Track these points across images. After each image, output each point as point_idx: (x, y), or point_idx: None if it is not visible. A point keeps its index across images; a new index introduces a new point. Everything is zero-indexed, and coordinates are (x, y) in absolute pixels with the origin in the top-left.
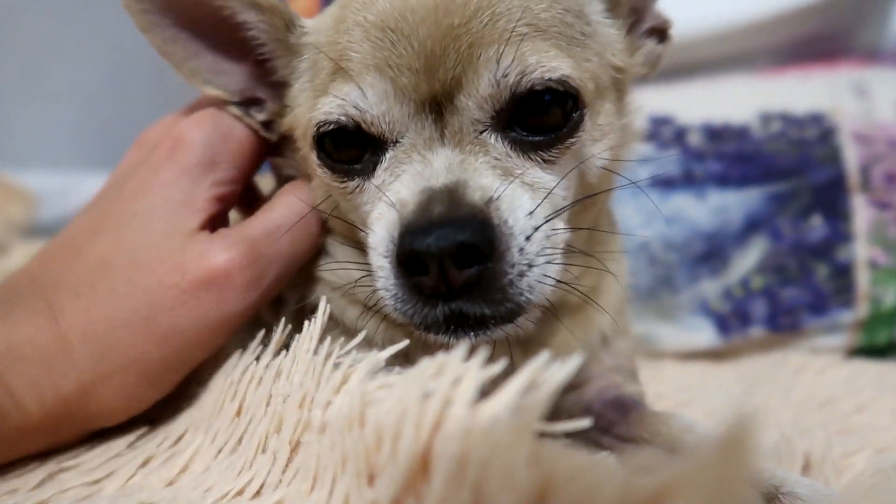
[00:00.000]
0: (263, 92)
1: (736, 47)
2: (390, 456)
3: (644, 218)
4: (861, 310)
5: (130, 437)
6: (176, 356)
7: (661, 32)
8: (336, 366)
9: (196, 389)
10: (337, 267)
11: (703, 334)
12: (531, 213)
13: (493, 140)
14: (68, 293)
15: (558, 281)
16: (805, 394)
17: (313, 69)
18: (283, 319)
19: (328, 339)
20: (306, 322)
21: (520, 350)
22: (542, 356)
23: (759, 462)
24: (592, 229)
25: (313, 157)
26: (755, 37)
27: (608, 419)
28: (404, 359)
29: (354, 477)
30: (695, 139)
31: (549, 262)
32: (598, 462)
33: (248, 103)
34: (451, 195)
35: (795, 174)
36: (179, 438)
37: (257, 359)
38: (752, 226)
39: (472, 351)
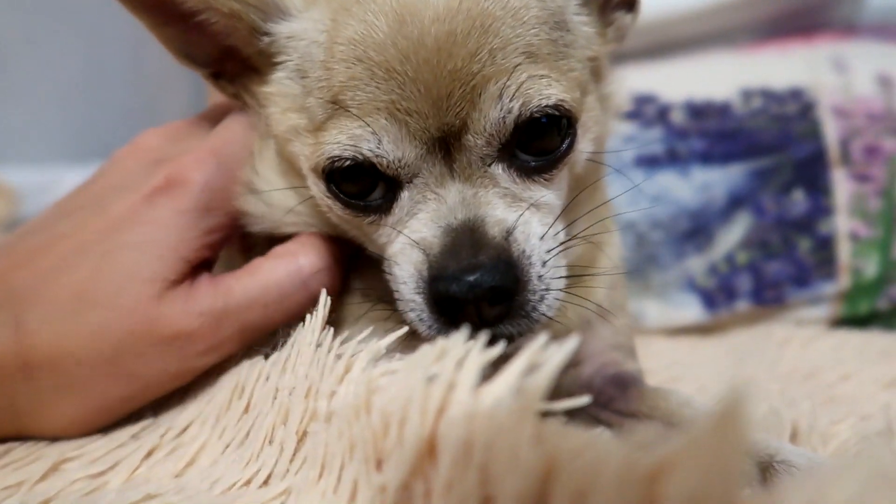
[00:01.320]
0: (234, 66)
1: (716, 24)
2: (397, 441)
3: (630, 197)
4: (843, 281)
5: (134, 428)
6: (134, 395)
7: (629, 3)
8: (338, 356)
9: (200, 383)
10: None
11: (691, 310)
12: (543, 237)
13: (500, 170)
14: (40, 316)
15: (568, 292)
16: (790, 366)
17: (302, 74)
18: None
19: (330, 329)
20: (307, 315)
21: None
22: (541, 338)
23: (753, 434)
24: (584, 214)
25: (321, 187)
26: (735, 13)
27: (608, 395)
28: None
29: (363, 463)
30: (678, 117)
31: (560, 278)
32: (600, 440)
33: (219, 74)
34: (473, 235)
35: (777, 150)
36: (184, 430)
37: (266, 357)
38: (735, 202)
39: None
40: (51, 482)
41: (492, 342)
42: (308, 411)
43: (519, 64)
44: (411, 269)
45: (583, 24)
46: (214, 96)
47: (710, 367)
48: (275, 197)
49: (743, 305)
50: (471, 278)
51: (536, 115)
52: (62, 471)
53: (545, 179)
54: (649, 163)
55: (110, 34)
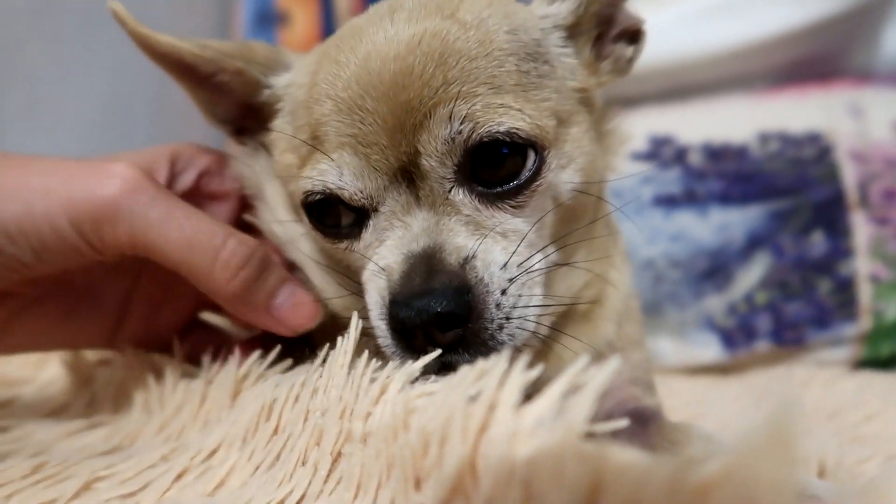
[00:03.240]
0: (253, 122)
1: (734, 69)
2: (437, 460)
3: (649, 235)
4: (864, 323)
5: (163, 450)
6: None
7: (633, 34)
8: (373, 379)
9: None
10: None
11: (710, 349)
12: (504, 265)
13: (462, 196)
14: None
15: (544, 298)
16: (813, 405)
17: (293, 116)
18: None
19: (365, 352)
20: (339, 338)
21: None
22: (582, 360)
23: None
24: (581, 240)
25: (306, 219)
26: (752, 59)
27: (628, 430)
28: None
29: (401, 482)
30: (695, 158)
31: (526, 307)
32: (647, 456)
33: (242, 131)
34: (429, 262)
35: (795, 192)
36: (213, 453)
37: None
38: (754, 242)
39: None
40: (83, 500)
41: (448, 368)
42: (343, 432)
43: (477, 93)
44: (376, 295)
45: (565, 56)
46: None
47: (730, 406)
48: (285, 227)
49: (763, 346)
50: (419, 304)
51: (486, 139)
52: (94, 490)
53: (512, 207)
54: (668, 202)
55: (135, 71)
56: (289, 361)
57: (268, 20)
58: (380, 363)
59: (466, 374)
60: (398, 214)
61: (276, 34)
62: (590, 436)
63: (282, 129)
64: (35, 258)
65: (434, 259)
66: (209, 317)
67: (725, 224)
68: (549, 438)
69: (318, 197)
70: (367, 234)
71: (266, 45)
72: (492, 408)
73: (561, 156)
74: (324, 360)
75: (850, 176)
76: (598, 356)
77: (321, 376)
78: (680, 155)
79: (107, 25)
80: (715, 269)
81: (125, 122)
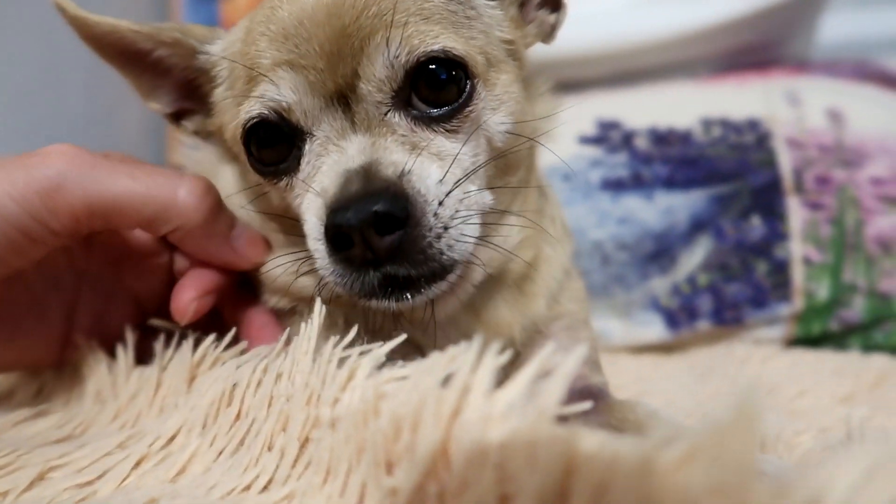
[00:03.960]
0: (192, 104)
1: (678, 55)
2: (410, 445)
3: (597, 218)
4: (797, 303)
5: (119, 437)
6: None
7: (554, 2)
8: (339, 363)
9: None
10: (272, 266)
11: (654, 329)
12: (441, 180)
13: (398, 119)
14: None
15: (480, 239)
16: (751, 382)
17: (230, 78)
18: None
19: (331, 338)
20: (303, 324)
21: (469, 323)
22: (548, 347)
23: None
24: (515, 187)
25: (245, 160)
26: (696, 45)
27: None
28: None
29: (372, 467)
30: (642, 143)
31: (464, 223)
32: (617, 438)
33: (181, 114)
34: (366, 173)
35: (736, 177)
36: (172, 439)
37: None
38: (697, 226)
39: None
40: (38, 490)
41: (396, 289)
42: (310, 418)
43: (410, 22)
44: (314, 218)
45: (490, 8)
46: None
47: (675, 383)
48: (224, 181)
49: (704, 325)
50: (357, 205)
51: (423, 59)
52: (49, 479)
53: (447, 131)
54: (616, 186)
55: (68, 35)
56: (243, 345)
57: None
58: (345, 350)
59: (437, 360)
60: (333, 139)
61: (217, 9)
62: (557, 418)
63: (224, 95)
64: None
65: (371, 171)
66: (158, 322)
67: (670, 208)
68: (522, 422)
69: (254, 121)
70: (304, 165)
71: (201, 26)
72: (464, 392)
73: (492, 98)
74: (286, 344)
75: (786, 162)
76: (529, 330)
77: (284, 360)
78: (627, 139)
79: None
80: (660, 251)
81: (58, 93)
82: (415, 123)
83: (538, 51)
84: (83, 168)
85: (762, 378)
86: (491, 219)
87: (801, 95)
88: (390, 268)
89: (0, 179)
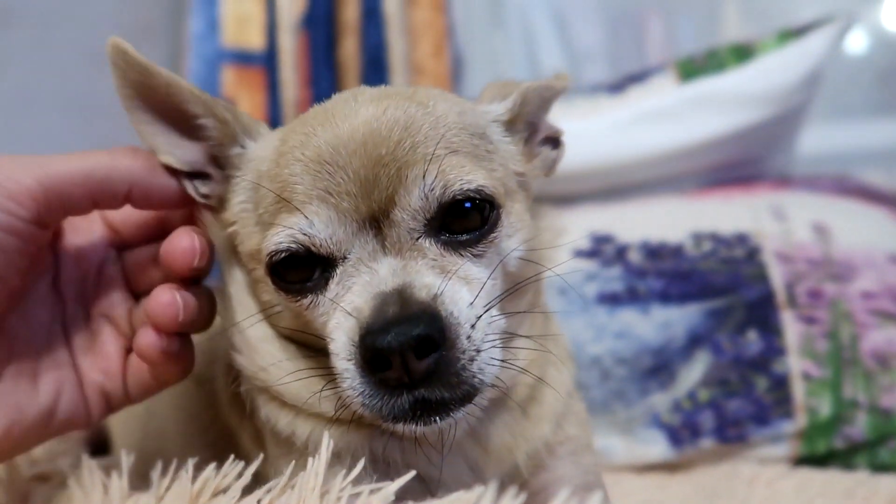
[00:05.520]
0: (215, 172)
1: (664, 171)
2: None
3: (594, 333)
4: (800, 420)
5: None
6: None
7: (554, 140)
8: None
9: None
10: (288, 378)
11: (657, 447)
12: (471, 303)
13: (428, 244)
14: None
15: (504, 361)
16: None
17: (254, 193)
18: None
19: (341, 473)
20: (310, 459)
21: (472, 448)
22: (564, 492)
23: None
24: (526, 311)
25: (268, 282)
26: (681, 161)
27: None
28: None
29: None
30: (635, 257)
31: (493, 347)
32: None
33: (196, 176)
34: (401, 296)
35: (729, 291)
36: None
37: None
38: (694, 340)
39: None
40: None
41: (425, 412)
42: None
43: (442, 155)
44: (344, 338)
45: (505, 144)
46: None
47: None
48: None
49: (707, 443)
50: (396, 329)
51: (459, 197)
52: None
53: (473, 255)
54: (611, 300)
55: (71, 150)
56: (247, 476)
57: None
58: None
59: (453, 502)
60: (364, 261)
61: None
62: None
63: (242, 206)
64: None
65: (405, 293)
66: None
67: (667, 322)
68: None
69: (283, 255)
70: (334, 284)
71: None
72: None
73: (508, 225)
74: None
75: (777, 276)
76: (534, 457)
77: (290, 496)
78: (620, 253)
79: (43, 106)
80: (659, 366)
81: (38, 120)
82: (443, 248)
83: None
84: (27, 157)
85: (770, 502)
86: (504, 342)
87: (786, 210)
88: (423, 391)
89: None
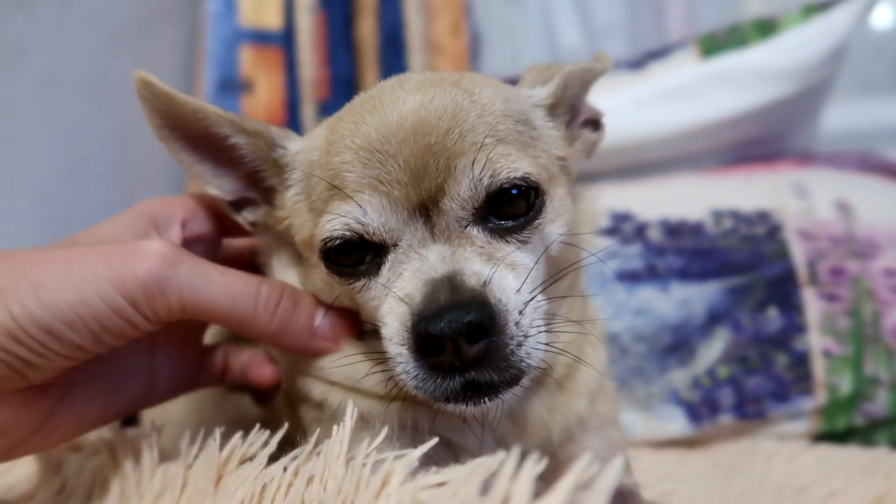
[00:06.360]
0: (255, 194)
1: (684, 148)
2: None
3: (614, 310)
4: (820, 397)
5: None
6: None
7: (594, 122)
8: (373, 468)
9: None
10: (345, 363)
11: (676, 423)
12: (518, 290)
13: (476, 232)
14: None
15: (548, 345)
16: (779, 481)
17: (306, 183)
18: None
19: (365, 440)
20: (335, 427)
21: (505, 423)
22: (586, 457)
23: None
24: (567, 296)
25: (322, 267)
26: (702, 139)
27: None
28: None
29: None
30: (654, 235)
31: (539, 332)
32: None
33: (241, 203)
34: (452, 283)
35: (749, 269)
36: None
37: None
38: (714, 318)
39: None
40: None
41: (475, 394)
42: None
43: (490, 144)
44: (397, 323)
45: (548, 129)
46: (193, 191)
47: (700, 482)
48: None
49: (726, 419)
50: (449, 315)
51: (506, 185)
52: None
53: (519, 241)
54: (630, 278)
55: (91, 132)
56: (273, 443)
57: (231, 87)
58: (371, 448)
59: (476, 466)
60: (415, 248)
61: (239, 102)
62: None
63: (295, 199)
64: (93, 340)
65: (455, 281)
66: None
67: (686, 299)
68: None
69: (337, 242)
70: (385, 270)
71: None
72: (504, 502)
73: (552, 210)
74: (315, 446)
75: (799, 253)
76: (567, 430)
77: (316, 463)
78: (640, 231)
79: (63, 88)
80: (678, 343)
81: (81, 185)
82: (490, 235)
83: None
84: (182, 272)
85: (789, 477)
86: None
87: (809, 187)
88: (474, 374)
89: (109, 276)
